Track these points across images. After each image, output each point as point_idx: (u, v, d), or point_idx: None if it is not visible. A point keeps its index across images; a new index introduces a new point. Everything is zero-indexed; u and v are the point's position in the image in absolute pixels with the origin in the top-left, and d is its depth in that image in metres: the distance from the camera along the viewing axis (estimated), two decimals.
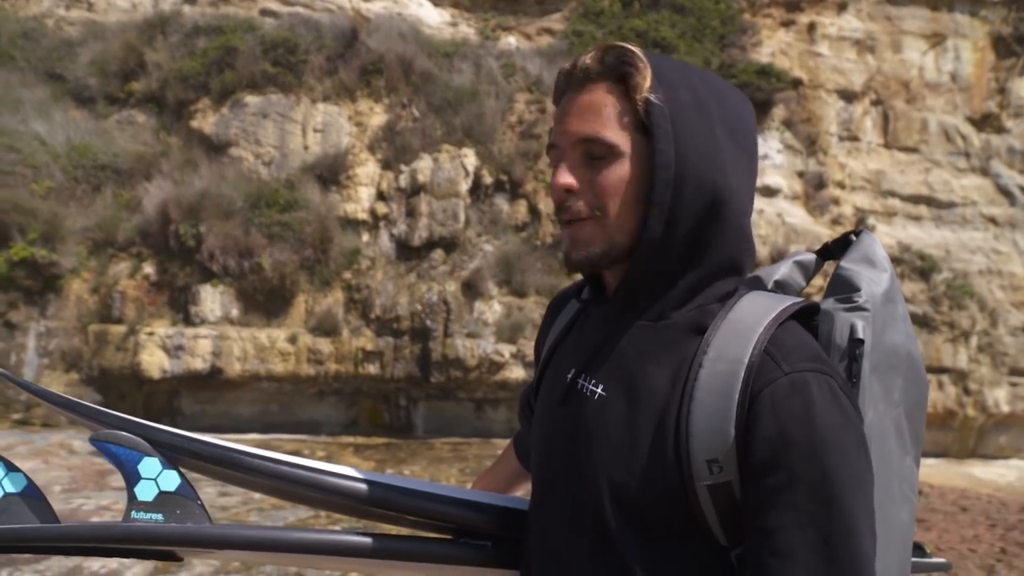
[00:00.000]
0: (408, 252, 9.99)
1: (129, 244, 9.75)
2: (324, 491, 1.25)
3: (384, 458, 8.51)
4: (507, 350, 9.29)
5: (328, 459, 8.16)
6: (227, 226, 9.41)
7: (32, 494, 1.18)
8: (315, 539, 1.26)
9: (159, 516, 1.17)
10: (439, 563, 1.30)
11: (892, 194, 12.14)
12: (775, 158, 11.58)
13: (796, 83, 12.12)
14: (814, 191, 11.79)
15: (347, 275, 9.72)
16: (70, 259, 9.51)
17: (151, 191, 9.81)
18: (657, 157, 1.01)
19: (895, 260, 10.82)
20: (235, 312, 9.47)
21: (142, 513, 1.17)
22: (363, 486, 1.26)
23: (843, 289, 1.11)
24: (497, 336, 9.39)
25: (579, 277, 1.26)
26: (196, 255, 9.46)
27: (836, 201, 11.85)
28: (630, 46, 1.04)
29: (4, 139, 9.81)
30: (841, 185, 12.01)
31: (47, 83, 10.99)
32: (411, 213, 10.06)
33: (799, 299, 1.09)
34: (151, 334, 9.11)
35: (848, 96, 12.39)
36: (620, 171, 1.03)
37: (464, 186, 10.12)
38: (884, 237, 11.16)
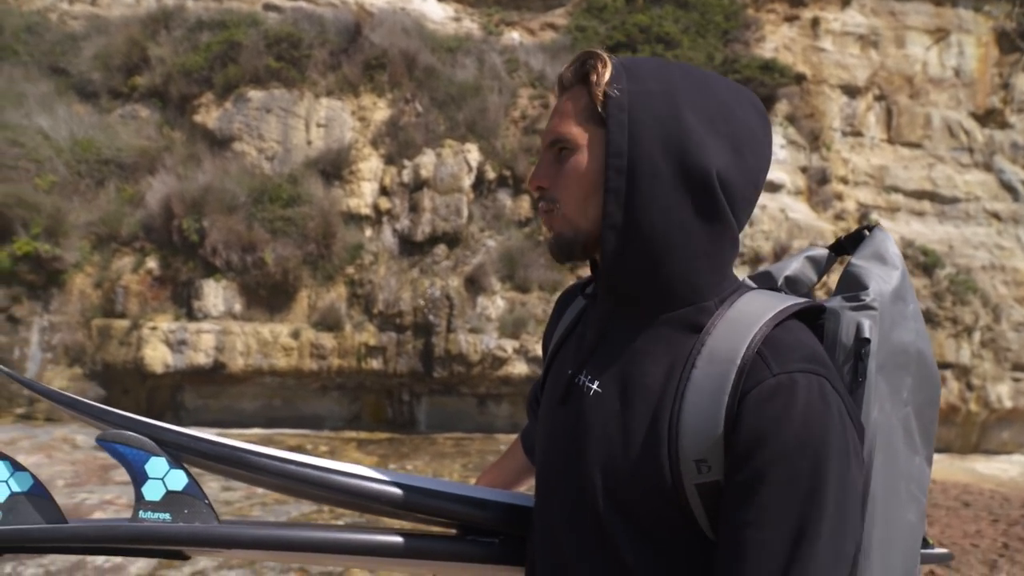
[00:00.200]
0: (411, 247, 9.99)
1: (132, 239, 9.75)
2: (330, 489, 1.26)
3: (387, 453, 8.52)
4: (510, 345, 9.29)
5: (331, 454, 8.18)
6: (230, 221, 9.42)
7: (38, 493, 1.19)
8: (322, 537, 1.27)
9: (167, 515, 1.18)
10: (446, 560, 1.31)
11: (895, 189, 12.13)
12: (778, 153, 11.56)
13: (799, 78, 12.09)
14: (817, 186, 11.78)
15: (350, 270, 9.73)
16: (73, 254, 9.52)
17: (154, 186, 9.81)
18: (609, 146, 1.04)
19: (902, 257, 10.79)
20: (238, 307, 9.48)
21: (150, 512, 1.18)
22: (369, 484, 1.27)
23: (851, 287, 1.11)
24: (500, 331, 9.39)
25: (586, 273, 1.27)
26: (199, 250, 9.46)
27: (839, 196, 11.83)
28: (598, 51, 1.08)
29: (7, 133, 9.81)
30: (844, 180, 11.99)
31: (50, 77, 10.99)
32: (414, 208, 10.06)
33: (800, 299, 1.08)
34: (154, 329, 9.12)
35: (851, 91, 12.37)
36: (577, 162, 1.07)
37: (467, 181, 10.12)
38: (887, 231, 11.13)
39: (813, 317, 1.10)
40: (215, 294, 9.42)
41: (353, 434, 9.42)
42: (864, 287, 1.09)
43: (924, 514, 1.14)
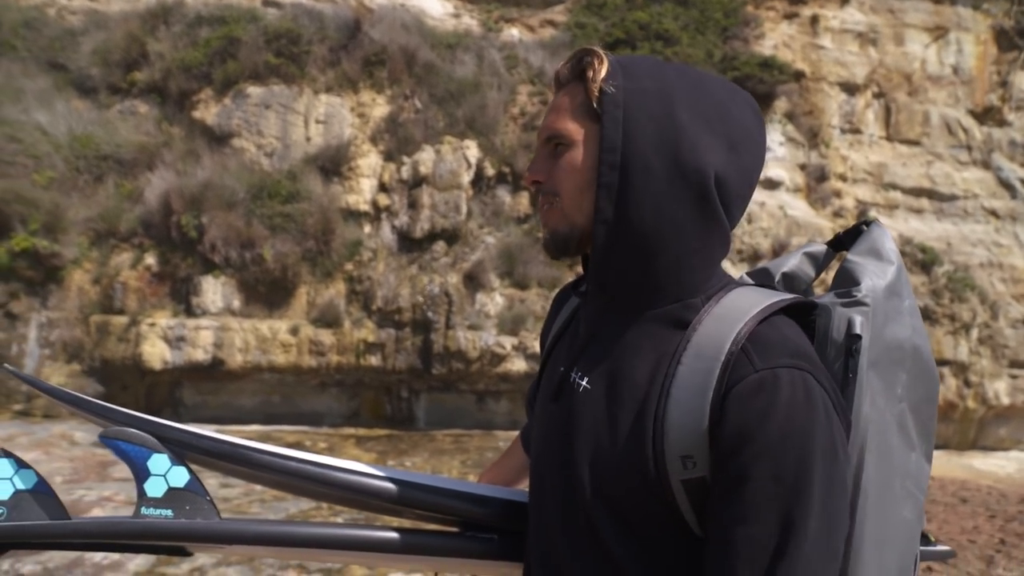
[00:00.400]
0: (410, 244, 9.99)
1: (131, 235, 9.75)
2: (331, 486, 1.27)
3: (386, 450, 8.53)
4: (509, 342, 9.30)
5: (330, 450, 8.19)
6: (229, 217, 9.41)
7: (43, 490, 1.20)
8: (322, 533, 1.27)
9: (168, 512, 1.19)
10: (445, 556, 1.31)
11: (894, 187, 12.13)
12: (777, 151, 11.56)
13: (798, 75, 12.09)
14: (816, 184, 11.78)
15: (349, 266, 9.73)
16: (72, 250, 9.51)
17: (153, 182, 9.80)
18: (603, 141, 1.05)
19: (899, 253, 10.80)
20: (237, 303, 9.48)
21: (152, 509, 1.19)
22: (369, 480, 1.28)
23: (845, 283, 1.11)
24: (499, 328, 9.39)
25: (579, 270, 1.28)
26: (198, 246, 9.46)
27: (838, 194, 11.84)
28: (594, 48, 1.09)
29: (6, 129, 9.80)
30: (843, 178, 12.00)
31: (49, 73, 10.97)
32: (413, 205, 10.06)
33: (788, 295, 1.08)
34: (153, 325, 9.12)
35: (850, 89, 12.37)
36: (572, 157, 1.08)
37: (466, 178, 10.12)
38: (884, 227, 11.14)
39: (805, 313, 1.10)
40: (214, 290, 9.42)
41: (352, 431, 9.43)
42: (857, 283, 1.10)
43: (922, 511, 1.13)
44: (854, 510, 1.02)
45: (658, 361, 1.04)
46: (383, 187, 10.24)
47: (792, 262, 1.32)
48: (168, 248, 9.60)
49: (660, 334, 1.06)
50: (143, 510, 1.19)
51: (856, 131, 12.38)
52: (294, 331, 9.34)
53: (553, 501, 1.14)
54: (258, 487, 6.20)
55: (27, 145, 9.80)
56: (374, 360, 9.36)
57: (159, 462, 1.20)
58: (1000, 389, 10.86)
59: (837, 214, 11.62)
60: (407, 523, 1.36)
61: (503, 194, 10.35)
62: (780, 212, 10.95)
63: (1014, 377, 11.02)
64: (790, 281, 1.30)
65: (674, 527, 1.02)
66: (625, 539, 1.04)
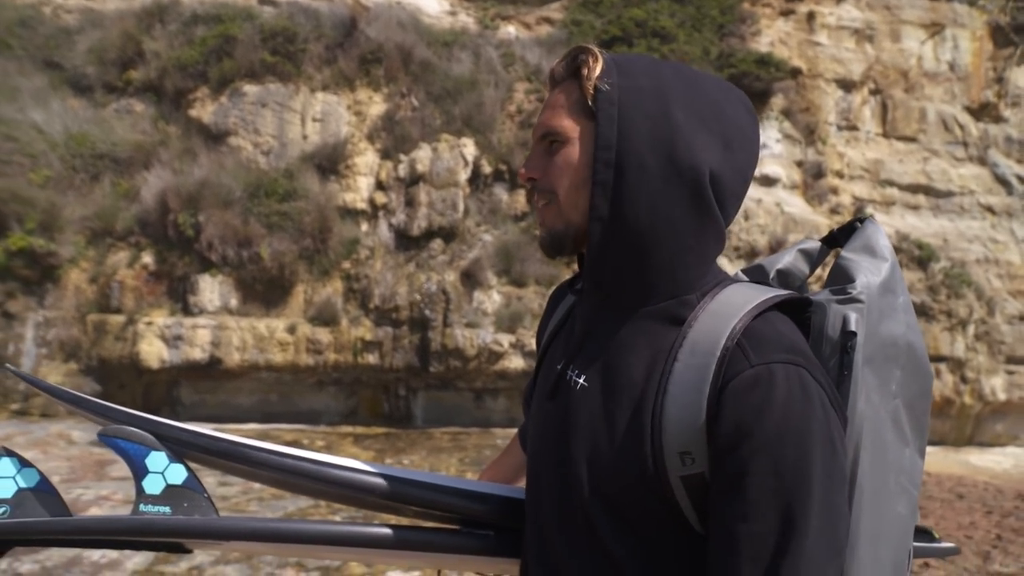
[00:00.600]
0: (407, 242, 9.99)
1: (128, 234, 9.74)
2: (329, 483, 1.28)
3: (383, 448, 8.53)
4: (506, 340, 9.30)
5: (328, 449, 8.19)
6: (226, 216, 9.40)
7: (45, 489, 1.22)
8: (319, 530, 1.28)
9: (167, 509, 1.20)
10: (443, 553, 1.32)
11: (890, 183, 12.15)
12: (774, 147, 11.58)
13: (795, 72, 12.10)
14: (813, 180, 11.80)
15: (346, 265, 9.73)
16: (68, 249, 9.50)
17: (150, 180, 9.79)
18: (598, 139, 1.05)
19: (893, 249, 10.82)
20: (234, 302, 9.47)
21: (150, 506, 1.20)
22: (367, 477, 1.28)
23: (840, 280, 1.11)
24: (496, 326, 9.40)
25: (576, 267, 1.28)
26: (195, 245, 9.45)
27: (835, 190, 11.85)
28: (589, 45, 1.09)
29: (2, 128, 9.79)
30: (840, 174, 12.01)
31: (44, 71, 10.95)
32: (410, 203, 10.05)
33: (783, 291, 1.08)
34: (150, 324, 9.11)
35: (847, 85, 12.38)
36: (568, 154, 1.08)
37: (463, 176, 10.11)
38: (882, 226, 11.16)
39: (800, 310, 1.10)
40: (211, 289, 9.42)
41: (349, 429, 9.43)
42: (852, 280, 1.10)
43: (916, 506, 1.14)
44: (850, 506, 1.02)
45: (654, 358, 1.04)
46: (380, 185, 10.24)
47: (787, 259, 1.31)
48: (165, 247, 9.59)
49: (656, 331, 1.06)
50: (142, 507, 1.20)
51: (853, 128, 12.39)
52: (291, 330, 9.34)
53: (550, 498, 1.15)
54: (256, 485, 6.21)
55: (23, 144, 9.79)
56: (371, 358, 9.36)
57: (157, 460, 1.21)
58: (996, 385, 10.88)
59: (834, 211, 11.64)
60: (404, 520, 1.37)
61: (500, 192, 10.35)
62: (777, 209, 10.96)
63: (1011, 373, 11.05)
64: (785, 278, 1.30)
65: (673, 524, 1.03)
66: (623, 536, 1.04)
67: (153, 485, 1.20)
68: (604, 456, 1.05)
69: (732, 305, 1.03)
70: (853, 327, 1.05)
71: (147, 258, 9.57)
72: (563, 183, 1.09)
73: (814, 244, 1.33)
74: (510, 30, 12.19)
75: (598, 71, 1.06)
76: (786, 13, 12.54)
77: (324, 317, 9.44)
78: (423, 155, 10.14)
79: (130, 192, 9.93)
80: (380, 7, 11.42)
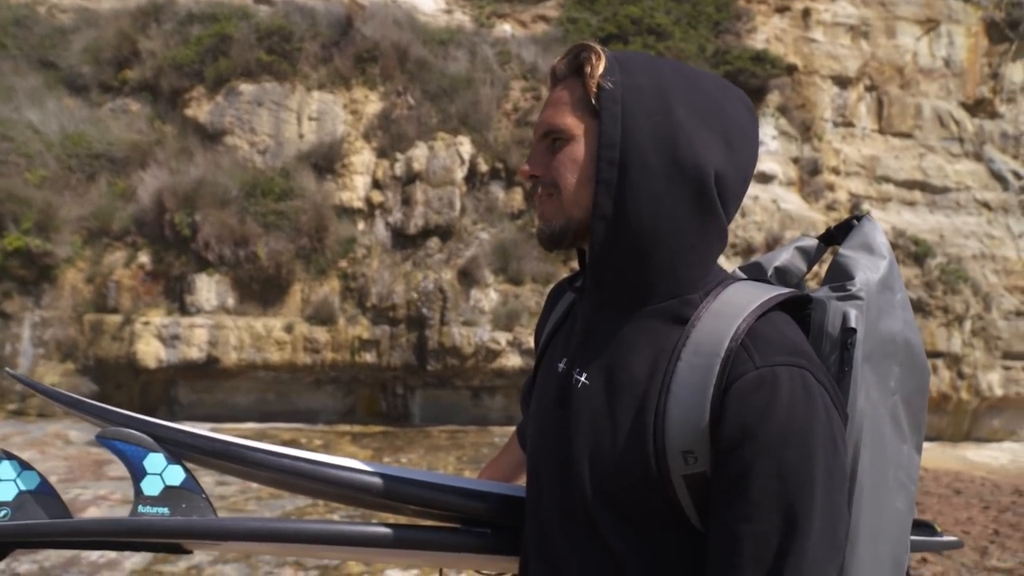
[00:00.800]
0: (404, 240, 9.98)
1: (124, 233, 9.72)
2: (327, 483, 1.28)
3: (381, 446, 8.53)
4: (503, 338, 9.31)
5: (325, 447, 8.19)
6: (222, 215, 9.39)
7: (45, 491, 1.22)
8: (318, 529, 1.28)
9: (165, 510, 1.20)
10: (441, 551, 1.32)
11: (886, 179, 12.16)
12: (770, 144, 11.58)
13: (791, 69, 12.10)
14: (809, 177, 11.80)
15: (343, 264, 9.72)
16: (65, 248, 9.49)
17: (146, 180, 9.78)
18: (602, 137, 1.05)
19: (890, 246, 10.83)
20: (231, 301, 9.46)
21: (149, 507, 1.20)
22: (365, 477, 1.28)
23: (839, 277, 1.12)
24: (493, 324, 9.40)
25: (575, 265, 1.28)
26: (191, 244, 9.44)
27: (831, 187, 11.86)
28: (591, 43, 1.09)
29: None
30: (836, 171, 12.02)
31: (40, 71, 10.93)
32: (407, 201, 10.05)
33: (785, 290, 1.09)
34: (147, 324, 9.10)
35: (842, 82, 12.39)
36: (573, 151, 1.08)
37: (460, 174, 10.11)
38: (878, 223, 11.18)
39: (800, 307, 1.11)
40: (208, 288, 9.41)
41: (347, 428, 9.43)
42: (851, 277, 1.10)
43: (913, 502, 1.15)
44: (850, 502, 1.03)
45: (657, 357, 1.05)
46: (376, 184, 10.23)
47: (784, 256, 1.32)
48: (162, 246, 9.58)
49: (658, 330, 1.06)
50: (140, 508, 1.20)
51: (848, 124, 12.40)
52: (289, 329, 9.33)
53: (551, 496, 1.15)
54: (254, 485, 6.20)
55: (19, 144, 9.77)
56: (369, 357, 9.36)
57: (155, 461, 1.21)
58: (993, 381, 10.90)
59: (830, 207, 11.65)
60: (402, 519, 1.37)
61: (497, 190, 10.35)
62: (773, 206, 10.97)
63: (1007, 368, 11.07)
64: (782, 275, 1.30)
65: (674, 522, 1.03)
66: (625, 534, 1.05)
67: (151, 486, 1.21)
68: (606, 454, 1.05)
69: (735, 305, 1.04)
70: (853, 324, 1.06)
71: (144, 258, 9.56)
72: (567, 179, 1.08)
73: (811, 242, 1.33)
74: (506, 28, 12.19)
75: (601, 69, 1.06)
76: (781, 10, 12.55)
77: (321, 316, 9.43)
78: (419, 154, 10.13)
79: (126, 192, 9.91)
80: (376, 5, 11.40)
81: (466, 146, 10.25)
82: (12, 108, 10.11)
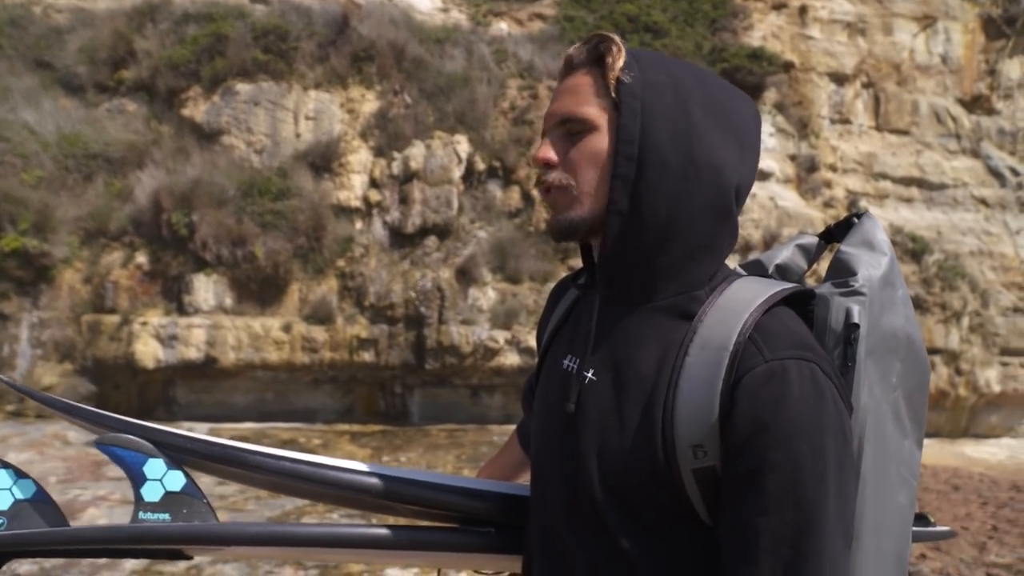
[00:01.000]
0: (401, 239, 9.98)
1: (121, 233, 9.71)
2: (328, 485, 1.28)
3: (380, 445, 8.53)
4: (502, 336, 9.31)
5: (324, 447, 8.19)
6: (220, 215, 9.39)
7: (41, 499, 1.22)
8: (320, 532, 1.28)
9: (166, 516, 1.20)
10: (443, 551, 1.32)
11: (884, 176, 12.17)
12: (767, 142, 11.58)
13: (787, 66, 12.11)
14: (806, 174, 11.81)
15: (341, 263, 9.71)
16: (62, 249, 9.47)
17: (143, 180, 9.76)
18: (620, 132, 1.05)
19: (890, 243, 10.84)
20: (229, 301, 9.46)
21: (149, 514, 1.20)
22: (366, 478, 1.28)
23: (841, 273, 1.12)
24: (492, 322, 9.40)
25: (579, 264, 1.28)
26: (189, 244, 9.43)
27: (828, 184, 11.87)
28: (610, 34, 1.09)
29: None
30: (833, 168, 12.03)
31: (35, 71, 10.91)
32: (404, 200, 10.04)
33: (790, 285, 1.10)
34: (145, 324, 9.10)
35: (839, 79, 12.40)
36: (595, 143, 1.07)
37: (457, 173, 10.10)
38: (876, 218, 11.19)
39: (803, 303, 1.11)
40: (205, 288, 9.40)
41: (346, 427, 9.43)
42: (853, 273, 1.11)
43: (915, 497, 1.16)
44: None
45: (664, 352, 1.05)
46: (374, 183, 10.23)
47: (784, 254, 1.33)
48: (159, 246, 9.57)
49: (666, 325, 1.07)
50: (141, 515, 1.20)
51: (846, 121, 12.41)
52: (287, 328, 9.33)
53: (557, 494, 1.15)
54: None
55: (15, 144, 9.75)
56: (367, 356, 9.36)
57: (155, 467, 1.21)
58: (991, 377, 10.92)
59: (828, 204, 11.66)
60: (403, 520, 1.37)
61: (494, 188, 10.35)
62: (771, 203, 10.97)
63: (1005, 364, 11.10)
64: (783, 273, 1.31)
65: (683, 518, 1.04)
66: (634, 531, 1.05)
67: (152, 492, 1.21)
68: (614, 450, 1.06)
69: (740, 300, 1.04)
70: (856, 319, 1.07)
71: (141, 258, 9.54)
72: (587, 172, 1.08)
73: (811, 239, 1.34)
74: (502, 26, 12.18)
75: (621, 62, 1.06)
76: (778, 7, 12.55)
77: (319, 315, 9.43)
78: (416, 152, 10.13)
79: (123, 192, 9.90)
80: (372, 4, 11.39)
81: (463, 145, 10.25)
82: (8, 109, 10.09)
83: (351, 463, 1.31)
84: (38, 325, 9.34)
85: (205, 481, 1.32)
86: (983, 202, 12.41)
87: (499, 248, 9.74)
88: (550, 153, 1.10)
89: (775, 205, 10.99)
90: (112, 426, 1.25)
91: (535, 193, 10.15)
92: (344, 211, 10.06)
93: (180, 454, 1.24)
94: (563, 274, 9.92)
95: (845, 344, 1.06)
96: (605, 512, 1.06)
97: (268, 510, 6.15)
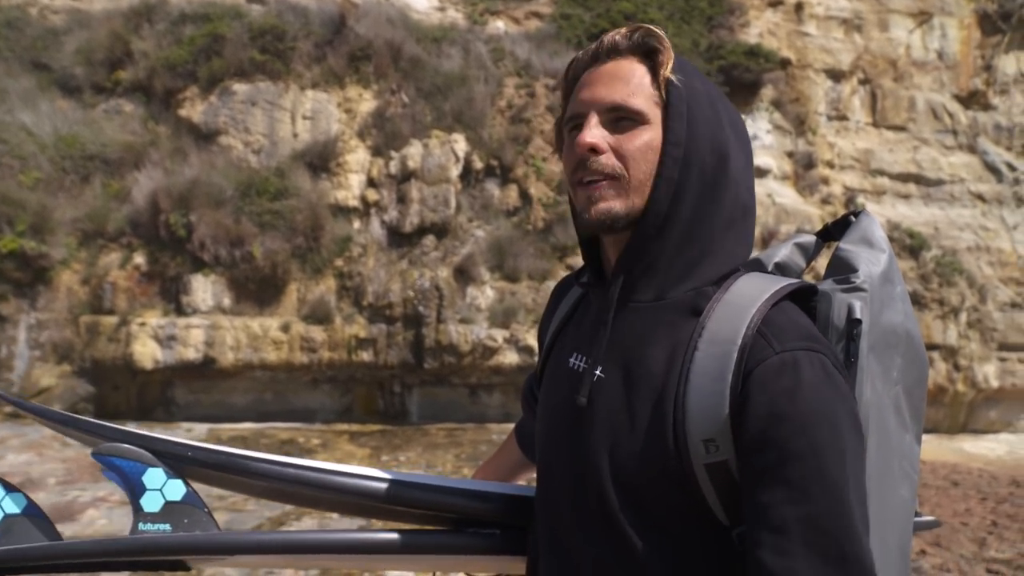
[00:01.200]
0: (399, 238, 9.98)
1: (119, 234, 9.70)
2: (333, 491, 1.27)
3: (379, 445, 8.53)
4: (500, 335, 9.31)
5: (323, 446, 8.19)
6: (218, 215, 9.38)
7: (33, 513, 1.19)
8: (324, 539, 1.28)
9: (167, 526, 1.18)
10: (448, 554, 1.32)
11: (881, 172, 12.18)
12: (764, 139, 11.59)
13: (784, 63, 12.11)
14: (803, 171, 11.82)
15: (339, 262, 9.71)
16: (60, 250, 9.46)
17: (140, 181, 9.76)
18: (669, 134, 1.06)
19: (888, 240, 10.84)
20: (227, 301, 9.45)
21: (149, 524, 1.18)
22: (370, 483, 1.28)
23: (841, 270, 1.13)
24: (490, 321, 9.40)
25: (577, 263, 1.28)
26: (187, 245, 9.42)
27: (825, 180, 11.88)
28: (657, 28, 1.08)
29: None
30: (830, 164, 12.04)
31: (32, 72, 10.90)
32: (402, 199, 10.04)
33: (794, 280, 1.11)
34: (143, 325, 9.09)
35: (836, 75, 12.40)
36: (649, 138, 1.07)
37: (454, 172, 10.10)
38: (875, 217, 11.20)
39: (805, 299, 1.12)
40: (204, 289, 9.39)
41: (345, 427, 9.43)
42: (854, 270, 1.12)
43: (916, 491, 1.17)
44: None
45: (674, 348, 1.06)
46: (371, 182, 10.22)
47: (783, 252, 1.34)
48: (157, 247, 9.56)
49: (674, 322, 1.08)
50: (141, 526, 1.18)
51: (842, 118, 12.42)
52: (285, 328, 9.32)
53: (565, 493, 1.15)
54: None
55: (12, 146, 9.74)
56: (366, 356, 9.36)
57: (154, 476, 1.19)
58: (989, 372, 10.93)
59: (825, 201, 11.66)
60: (405, 524, 1.36)
61: (492, 187, 10.34)
62: (768, 200, 10.98)
63: (1003, 360, 11.11)
64: (782, 271, 1.32)
65: (694, 516, 1.04)
66: (643, 527, 1.05)
67: (151, 503, 1.19)
68: (626, 447, 1.06)
69: (747, 296, 1.05)
70: (858, 315, 1.08)
71: (139, 259, 9.54)
72: (640, 165, 1.07)
73: (809, 238, 1.36)
74: (499, 25, 12.17)
75: (671, 63, 1.07)
76: (774, 4, 12.55)
77: (318, 315, 9.42)
78: (414, 152, 10.12)
79: (121, 193, 9.89)
80: (369, 4, 11.38)
81: (461, 144, 10.24)
82: (5, 110, 10.08)
83: (354, 468, 1.30)
84: (36, 327, 9.33)
85: (203, 485, 1.31)
86: (980, 197, 12.41)
87: (497, 247, 9.74)
88: (597, 138, 1.07)
89: (773, 202, 11.00)
90: (109, 436, 1.23)
91: (533, 192, 10.15)
92: (342, 211, 10.06)
93: (180, 463, 1.22)
94: (561, 272, 9.95)
95: (848, 340, 1.07)
96: (615, 509, 1.06)
97: (268, 510, 6.15)
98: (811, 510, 0.93)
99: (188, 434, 8.60)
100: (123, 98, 10.88)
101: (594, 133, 1.07)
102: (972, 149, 12.67)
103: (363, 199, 10.14)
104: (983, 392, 10.96)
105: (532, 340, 9.14)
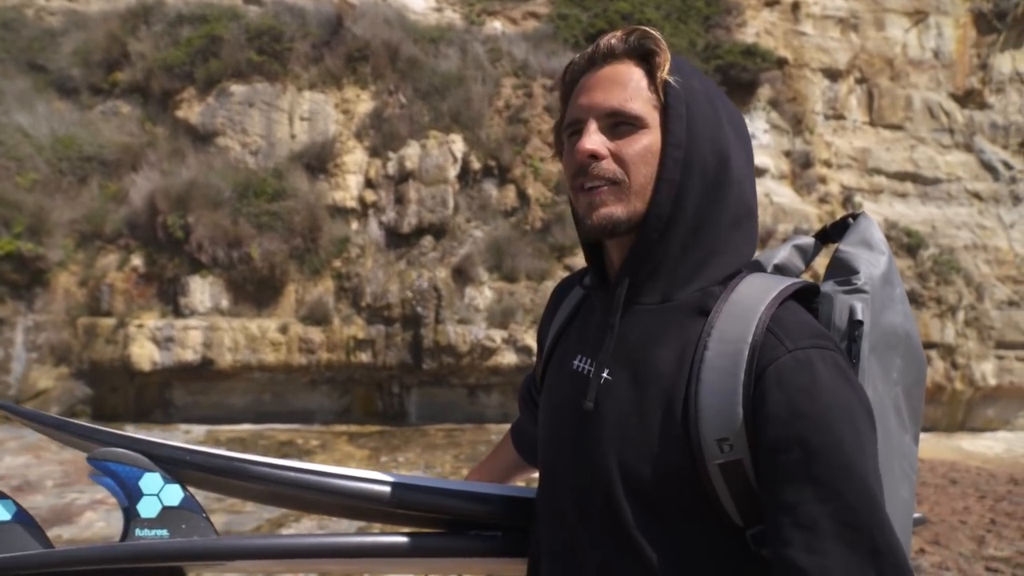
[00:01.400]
0: (398, 239, 9.97)
1: (117, 236, 9.69)
2: (334, 495, 1.26)
3: (378, 446, 8.52)
4: (499, 335, 9.30)
5: (322, 447, 8.18)
6: (215, 216, 9.37)
7: (23, 520, 1.18)
8: (324, 543, 1.26)
9: (164, 532, 1.17)
10: (450, 556, 1.31)
11: (878, 171, 12.19)
12: (761, 138, 11.60)
13: (781, 63, 12.12)
14: (801, 170, 11.83)
15: (337, 263, 9.71)
16: (57, 252, 9.45)
17: (138, 182, 9.75)
18: (669, 136, 1.05)
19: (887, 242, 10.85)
20: (225, 303, 9.44)
21: (146, 530, 1.17)
22: (371, 486, 1.27)
23: (842, 272, 1.13)
24: (488, 322, 9.40)
25: (575, 262, 1.28)
26: (184, 246, 9.42)
27: (823, 180, 11.89)
28: (652, 30, 1.08)
29: None
30: (827, 163, 12.05)
31: (29, 74, 10.88)
32: (400, 200, 10.04)
33: (798, 280, 1.11)
34: (141, 326, 9.08)
35: (833, 75, 12.41)
36: (648, 142, 1.06)
37: (452, 172, 10.10)
38: (871, 215, 11.20)
39: (807, 299, 1.12)
40: (201, 290, 9.38)
41: (344, 427, 9.42)
42: (855, 271, 1.12)
43: (915, 491, 1.17)
44: None
45: (683, 349, 1.05)
46: (369, 183, 10.22)
47: (782, 254, 1.34)
48: (154, 249, 9.55)
49: (682, 322, 1.08)
50: (137, 532, 1.17)
51: (839, 117, 12.43)
52: (283, 329, 9.32)
53: (568, 494, 1.14)
54: None
55: (9, 147, 9.73)
56: (364, 356, 9.35)
57: (151, 481, 1.18)
58: (987, 370, 10.95)
59: (822, 200, 11.67)
60: (405, 527, 1.35)
61: (490, 188, 10.34)
62: (766, 199, 10.98)
63: (1000, 358, 11.12)
64: (781, 272, 1.32)
65: (707, 517, 1.03)
66: (651, 529, 1.05)
67: (148, 508, 1.18)
68: (636, 449, 1.05)
69: (753, 295, 1.05)
70: (860, 316, 1.08)
71: (137, 260, 9.53)
72: (640, 169, 1.07)
73: (807, 240, 1.36)
74: (496, 25, 12.17)
75: (669, 64, 1.06)
76: (771, 3, 12.56)
77: (316, 316, 9.42)
78: (412, 152, 10.12)
79: (118, 194, 9.88)
80: (366, 5, 11.38)
81: (458, 144, 10.24)
82: (2, 112, 10.07)
83: (353, 471, 1.29)
84: (33, 329, 9.32)
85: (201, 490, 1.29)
86: (977, 196, 12.43)
87: (495, 247, 9.74)
88: (597, 144, 1.07)
89: (770, 201, 11.01)
90: (104, 440, 1.22)
91: (531, 192, 10.15)
92: (340, 211, 10.05)
93: (177, 467, 1.21)
94: (560, 272, 9.95)
95: (850, 341, 1.07)
96: (623, 510, 1.05)
97: (266, 511, 6.14)
98: (840, 505, 0.93)
99: (186, 436, 8.60)
100: (120, 99, 10.87)
101: (593, 139, 1.07)
102: (968, 148, 12.69)
103: (361, 200, 10.14)
104: (981, 390, 10.97)
105: (531, 340, 9.14)
